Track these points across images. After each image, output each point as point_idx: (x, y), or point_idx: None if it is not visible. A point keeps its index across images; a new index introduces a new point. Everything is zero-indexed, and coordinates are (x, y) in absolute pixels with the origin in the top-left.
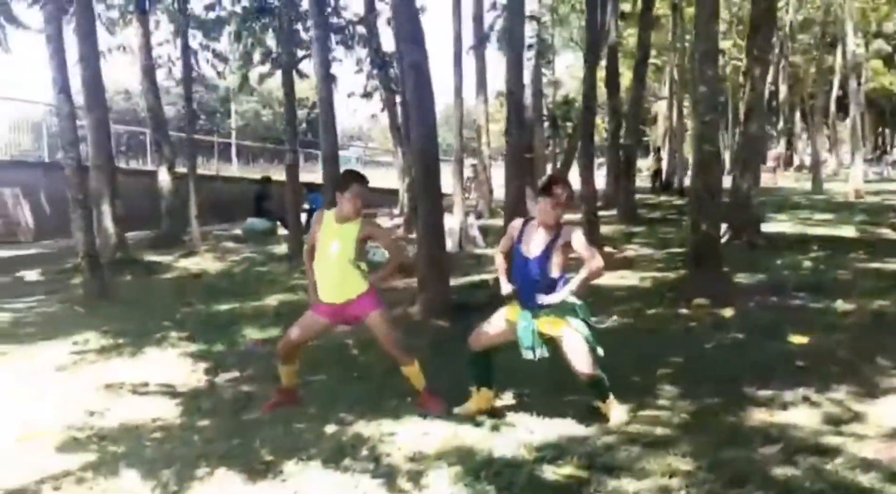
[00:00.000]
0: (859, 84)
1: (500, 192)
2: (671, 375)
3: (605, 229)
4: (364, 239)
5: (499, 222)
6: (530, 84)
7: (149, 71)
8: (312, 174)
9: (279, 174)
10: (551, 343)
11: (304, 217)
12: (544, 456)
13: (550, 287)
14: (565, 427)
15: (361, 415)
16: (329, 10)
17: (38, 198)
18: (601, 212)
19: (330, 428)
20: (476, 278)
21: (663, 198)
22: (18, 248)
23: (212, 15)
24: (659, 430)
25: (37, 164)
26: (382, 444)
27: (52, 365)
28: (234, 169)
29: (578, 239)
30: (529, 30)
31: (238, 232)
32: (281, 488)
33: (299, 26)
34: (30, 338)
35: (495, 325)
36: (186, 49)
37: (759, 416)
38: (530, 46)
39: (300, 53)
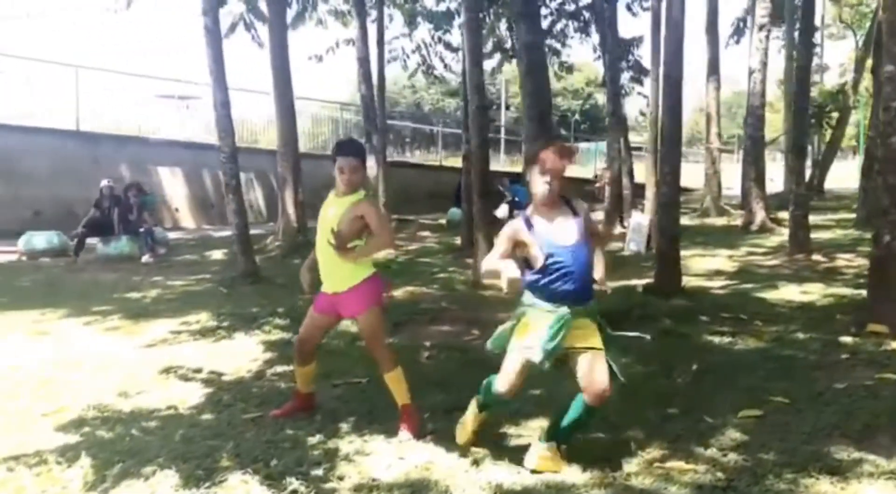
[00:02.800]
0: None
1: (735, 188)
2: (755, 419)
3: (831, 234)
4: (357, 216)
5: (718, 221)
6: (762, 68)
7: (363, 62)
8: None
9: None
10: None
11: (505, 209)
12: None
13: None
14: (561, 473)
15: (360, 428)
16: None
17: (269, 182)
18: (844, 215)
19: (313, 439)
20: (624, 282)
21: None
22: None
23: (442, 6)
24: (673, 488)
25: (266, 152)
26: (349, 464)
27: (144, 341)
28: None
29: (588, 212)
30: (761, 9)
31: (442, 221)
32: None
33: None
34: (152, 315)
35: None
36: (382, 39)
37: (821, 487)
38: (762, 27)
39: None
